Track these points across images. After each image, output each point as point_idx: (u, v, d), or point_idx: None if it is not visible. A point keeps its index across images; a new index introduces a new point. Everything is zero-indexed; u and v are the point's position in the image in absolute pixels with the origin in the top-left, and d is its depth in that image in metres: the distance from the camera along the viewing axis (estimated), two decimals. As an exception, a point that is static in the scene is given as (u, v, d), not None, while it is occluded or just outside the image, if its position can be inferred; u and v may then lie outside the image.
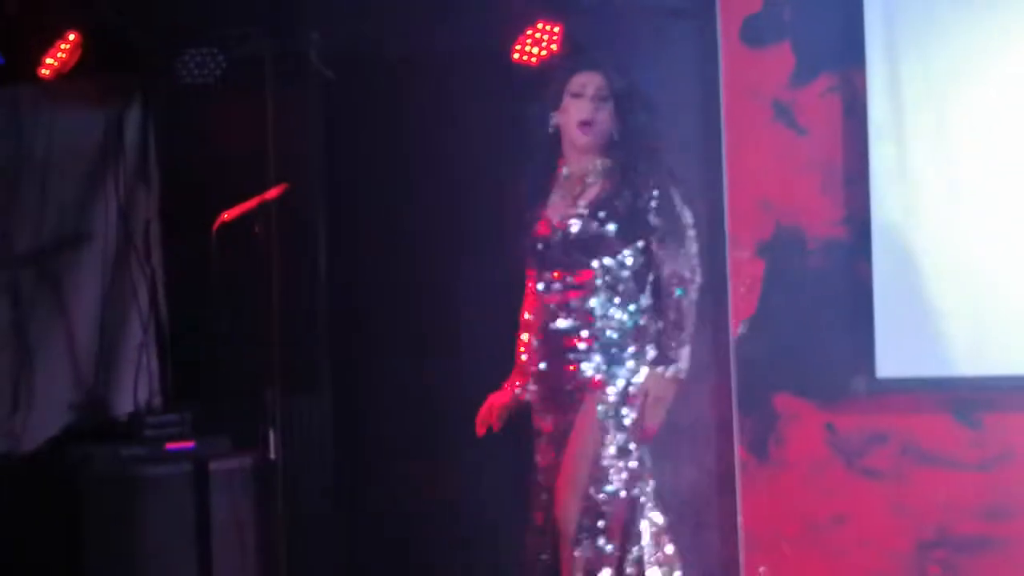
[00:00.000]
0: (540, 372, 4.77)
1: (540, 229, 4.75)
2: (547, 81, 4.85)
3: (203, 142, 6.33)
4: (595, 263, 4.70)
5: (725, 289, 5.70)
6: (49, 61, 5.97)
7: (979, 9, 5.46)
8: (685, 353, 4.67)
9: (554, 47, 5.75)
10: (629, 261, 4.70)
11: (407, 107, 6.04)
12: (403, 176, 6.10)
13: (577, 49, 5.55)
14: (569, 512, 4.62)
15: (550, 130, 4.78)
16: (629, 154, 4.71)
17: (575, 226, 4.70)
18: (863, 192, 5.57)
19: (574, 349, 4.69)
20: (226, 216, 5.56)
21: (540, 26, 5.75)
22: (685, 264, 4.69)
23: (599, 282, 4.70)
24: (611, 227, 4.69)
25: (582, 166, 4.76)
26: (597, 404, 4.67)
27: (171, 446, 5.74)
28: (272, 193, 5.63)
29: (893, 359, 5.52)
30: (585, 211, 4.70)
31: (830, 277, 5.67)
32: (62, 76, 6.01)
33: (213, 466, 5.67)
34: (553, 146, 4.80)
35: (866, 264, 5.56)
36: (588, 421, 4.67)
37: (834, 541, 5.65)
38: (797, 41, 5.72)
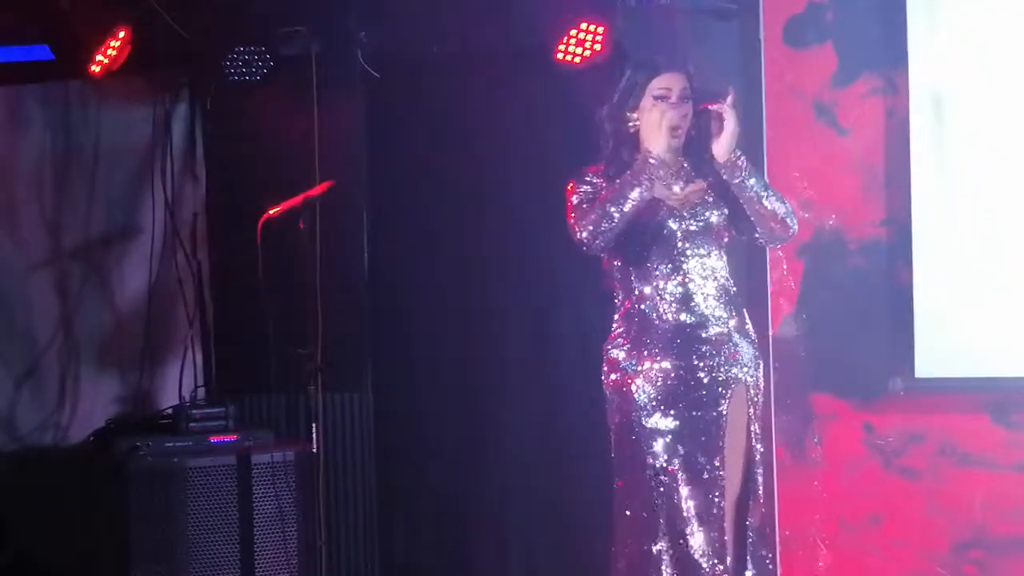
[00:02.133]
0: (662, 369, 4.63)
1: (653, 218, 4.63)
2: (617, 80, 4.73)
3: (249, 139, 6.37)
4: (717, 251, 4.69)
5: (765, 288, 5.71)
6: (99, 57, 6.02)
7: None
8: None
9: (598, 47, 5.76)
10: (724, 250, 4.73)
11: (450, 106, 6.07)
12: (445, 175, 6.14)
13: (617, 61, 5.55)
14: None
15: (630, 129, 4.67)
16: (704, 151, 4.66)
17: (703, 214, 4.66)
18: (904, 193, 5.58)
19: (706, 341, 4.64)
20: (271, 212, 5.62)
21: (584, 26, 5.77)
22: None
23: (721, 270, 4.70)
24: (725, 212, 4.69)
25: (671, 166, 4.68)
26: (743, 395, 4.65)
27: (215, 439, 5.79)
28: (317, 190, 5.70)
29: (932, 359, 5.52)
30: (710, 197, 4.67)
31: (870, 278, 5.68)
32: (111, 72, 6.06)
33: (256, 459, 5.70)
34: (632, 146, 4.66)
35: (906, 265, 5.57)
36: (739, 416, 4.64)
37: (870, 541, 5.65)
38: (839, 42, 5.72)
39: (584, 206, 4.63)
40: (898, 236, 5.61)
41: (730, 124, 4.54)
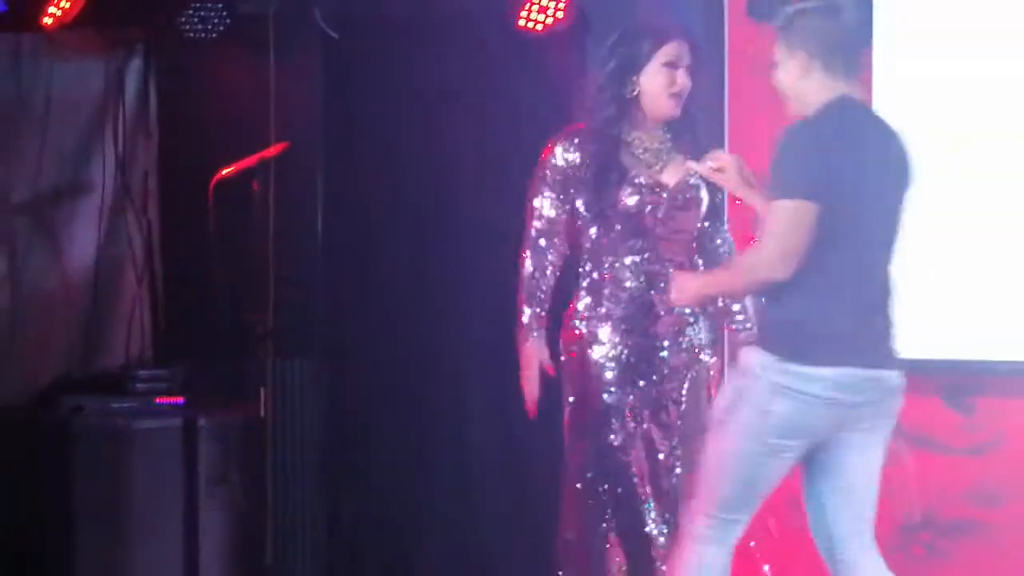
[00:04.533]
0: (623, 344, 4.58)
1: (633, 195, 4.58)
2: (615, 45, 4.67)
3: (204, 97, 6.30)
4: (689, 235, 4.67)
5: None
6: (52, 10, 5.93)
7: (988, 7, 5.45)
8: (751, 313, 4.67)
9: (560, 15, 5.71)
10: (695, 233, 4.70)
11: (409, 69, 6.01)
12: (403, 139, 6.07)
13: (580, 30, 5.50)
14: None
15: (629, 94, 4.62)
16: (692, 128, 4.70)
17: (683, 196, 4.64)
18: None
19: (669, 320, 4.60)
20: (225, 172, 5.55)
21: (547, -7, 5.72)
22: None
23: (690, 249, 4.68)
24: (705, 199, 4.67)
25: (655, 133, 4.67)
26: (702, 376, 4.65)
27: (161, 400, 5.74)
28: (272, 151, 5.64)
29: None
30: (693, 180, 4.64)
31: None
32: (64, 26, 5.98)
33: (202, 422, 5.66)
34: (630, 112, 4.64)
35: (864, 246, 5.54)
36: (698, 397, 4.64)
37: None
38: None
39: (536, 227, 4.64)
40: (857, 215, 5.58)
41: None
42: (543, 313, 4.67)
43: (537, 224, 4.66)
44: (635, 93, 4.62)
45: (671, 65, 4.59)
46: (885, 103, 5.36)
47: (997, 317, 5.45)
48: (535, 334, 4.65)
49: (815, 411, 3.98)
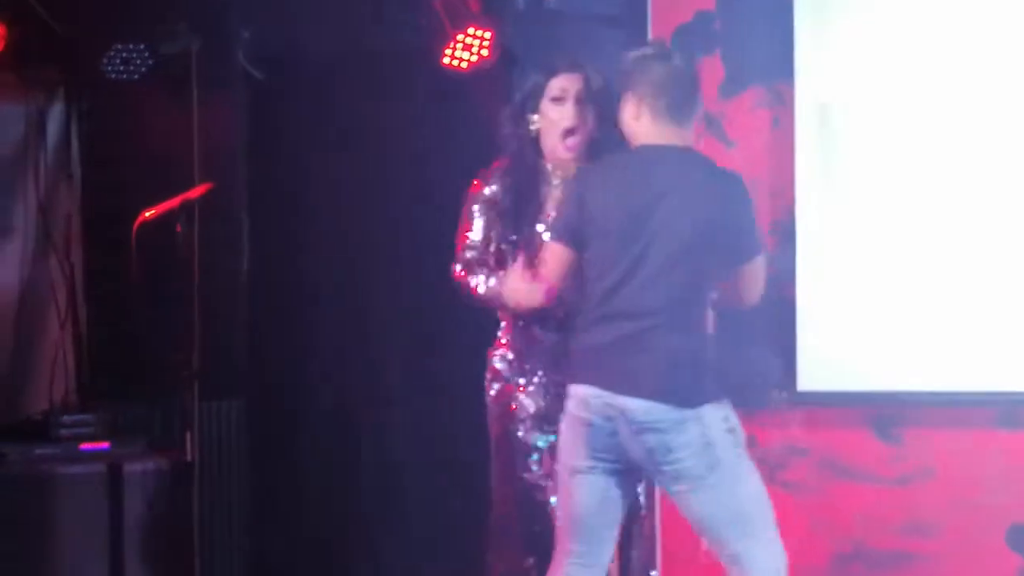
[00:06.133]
0: (543, 383, 4.57)
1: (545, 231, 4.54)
2: (519, 82, 4.70)
3: (127, 139, 6.27)
4: None
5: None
6: (-29, 52, 5.89)
7: (907, 26, 5.49)
8: None
9: (485, 52, 5.73)
10: None
11: (334, 108, 6.00)
12: (328, 178, 6.06)
13: (505, 66, 5.51)
14: None
15: (531, 133, 4.60)
16: None
17: None
18: (788, 205, 5.57)
19: None
20: (148, 214, 5.51)
21: (471, 31, 5.72)
22: None
23: None
24: None
25: (568, 174, 4.59)
26: None
27: (85, 446, 5.66)
28: (195, 192, 5.60)
29: (814, 373, 5.53)
30: None
31: (754, 289, 5.67)
32: (-17, 69, 5.93)
33: (128, 467, 5.59)
34: (535, 148, 4.61)
35: (790, 278, 5.56)
36: None
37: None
38: (727, 52, 5.71)
39: (468, 255, 4.61)
40: (782, 249, 5.60)
41: None
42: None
43: (467, 254, 4.63)
44: (535, 129, 4.61)
45: (558, 100, 4.55)
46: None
47: (923, 348, 5.48)
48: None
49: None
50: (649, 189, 4.22)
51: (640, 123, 4.28)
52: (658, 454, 4.19)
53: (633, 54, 4.35)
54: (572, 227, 4.29)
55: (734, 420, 4.29)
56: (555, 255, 4.32)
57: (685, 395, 4.18)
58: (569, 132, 4.54)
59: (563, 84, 4.55)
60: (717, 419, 4.22)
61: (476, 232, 4.62)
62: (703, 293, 4.31)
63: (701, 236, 4.20)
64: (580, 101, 4.54)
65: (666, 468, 4.21)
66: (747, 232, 4.33)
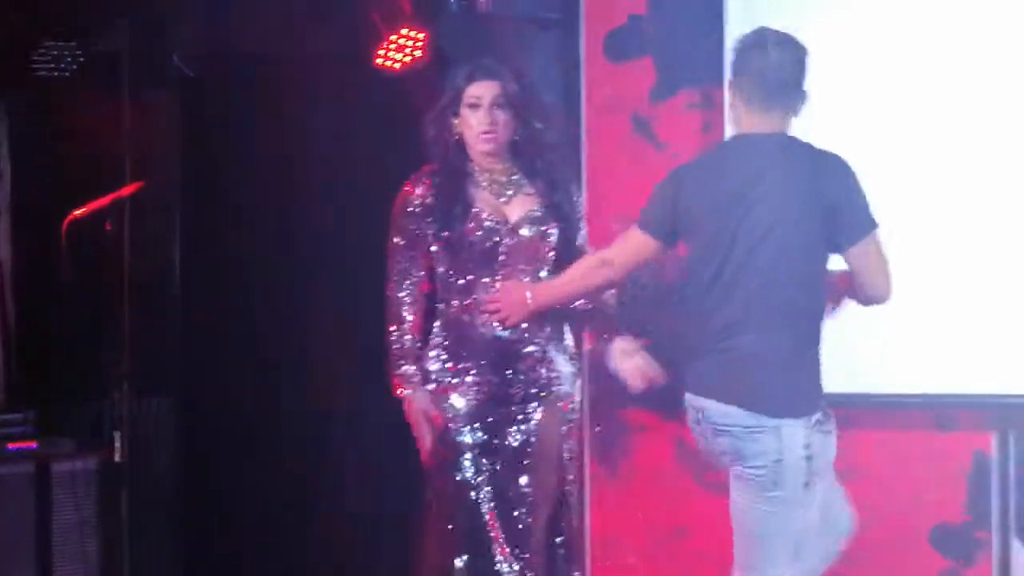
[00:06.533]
0: (475, 382, 4.59)
1: (478, 229, 4.59)
2: (434, 93, 4.75)
3: (57, 136, 6.21)
4: (541, 268, 4.64)
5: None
6: None
7: (839, 27, 5.54)
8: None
9: (418, 53, 5.75)
10: (548, 268, 4.67)
11: (267, 107, 5.99)
12: (261, 177, 6.04)
13: (438, 67, 5.52)
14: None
15: (455, 136, 4.64)
16: (537, 159, 4.66)
17: (528, 229, 4.62)
18: (719, 209, 5.62)
19: (523, 357, 4.60)
20: (78, 212, 5.48)
21: (404, 32, 5.73)
22: None
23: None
24: (555, 230, 4.65)
25: (497, 174, 4.66)
26: (557, 412, 4.62)
27: (13, 446, 5.62)
28: (126, 190, 5.57)
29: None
30: (539, 212, 4.63)
31: (684, 292, 5.70)
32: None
33: (56, 467, 5.56)
34: (460, 150, 4.66)
35: (720, 280, 5.60)
36: (551, 433, 4.61)
37: (679, 553, 5.69)
38: (658, 56, 5.76)
39: (397, 264, 4.64)
40: (713, 251, 5.65)
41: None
42: (417, 368, 4.63)
43: (398, 266, 4.65)
44: (457, 133, 4.64)
45: (473, 106, 4.60)
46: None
47: (853, 350, 5.52)
48: (415, 390, 4.60)
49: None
50: (738, 180, 4.10)
51: (737, 112, 4.22)
52: (730, 458, 4.11)
53: (734, 43, 4.29)
54: (659, 218, 4.23)
55: (817, 446, 4.11)
56: (630, 239, 4.29)
57: (763, 402, 4.03)
58: (486, 137, 4.58)
59: (478, 91, 4.60)
60: (797, 438, 4.06)
61: (406, 247, 4.63)
62: (802, 295, 4.11)
63: (796, 224, 4.04)
64: (496, 107, 4.59)
65: (736, 473, 4.12)
66: (850, 208, 4.09)
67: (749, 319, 4.07)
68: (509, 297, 4.51)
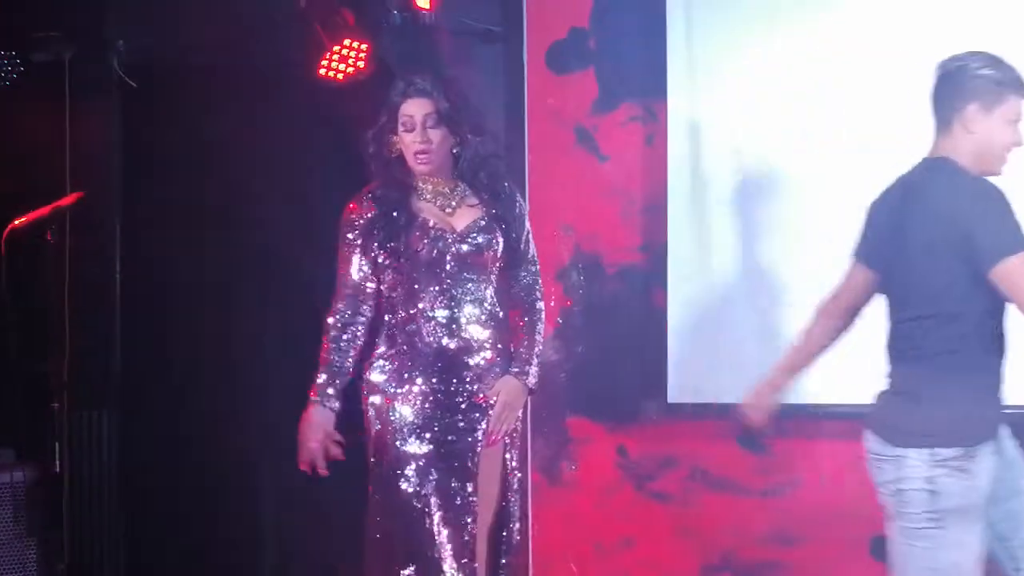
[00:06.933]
0: (421, 392, 4.57)
1: (423, 238, 4.58)
2: (377, 104, 4.70)
3: (-3, 145, 6.17)
4: (486, 278, 4.62)
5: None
6: None
7: (774, 44, 5.59)
8: (536, 364, 4.65)
9: (361, 64, 5.74)
10: (494, 277, 4.67)
11: (209, 118, 5.96)
12: (202, 187, 6.01)
13: (401, 72, 5.51)
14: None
15: (394, 153, 4.64)
16: (479, 171, 4.66)
17: (474, 239, 4.61)
18: (660, 220, 5.66)
19: (469, 367, 4.59)
20: (17, 222, 5.44)
21: (348, 43, 5.73)
22: (537, 279, 4.71)
23: (489, 295, 4.64)
24: (500, 242, 4.65)
25: (440, 186, 4.65)
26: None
27: (-50, 457, 5.57)
28: (66, 201, 5.53)
29: (684, 385, 5.61)
30: (484, 222, 4.62)
31: (626, 303, 5.75)
32: None
33: (-7, 479, 5.51)
34: (401, 165, 4.65)
35: (661, 291, 5.64)
36: (497, 445, 4.60)
37: (621, 563, 5.71)
38: (600, 69, 5.80)
39: (342, 278, 4.63)
40: (654, 262, 5.69)
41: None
42: (338, 383, 4.61)
43: (344, 289, 4.65)
44: (396, 150, 4.65)
45: (407, 125, 4.61)
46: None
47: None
48: (325, 403, 4.59)
49: None
50: (896, 205, 4.08)
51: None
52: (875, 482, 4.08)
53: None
54: (860, 245, 4.21)
55: (945, 483, 3.90)
56: (849, 273, 4.25)
57: (889, 431, 4.00)
58: (421, 157, 4.60)
59: (410, 110, 4.60)
60: (919, 471, 3.93)
61: (354, 265, 4.62)
62: (937, 325, 3.98)
63: (935, 247, 3.93)
64: (428, 125, 4.59)
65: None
66: (984, 231, 3.89)
67: (895, 345, 4.09)
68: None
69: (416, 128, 4.58)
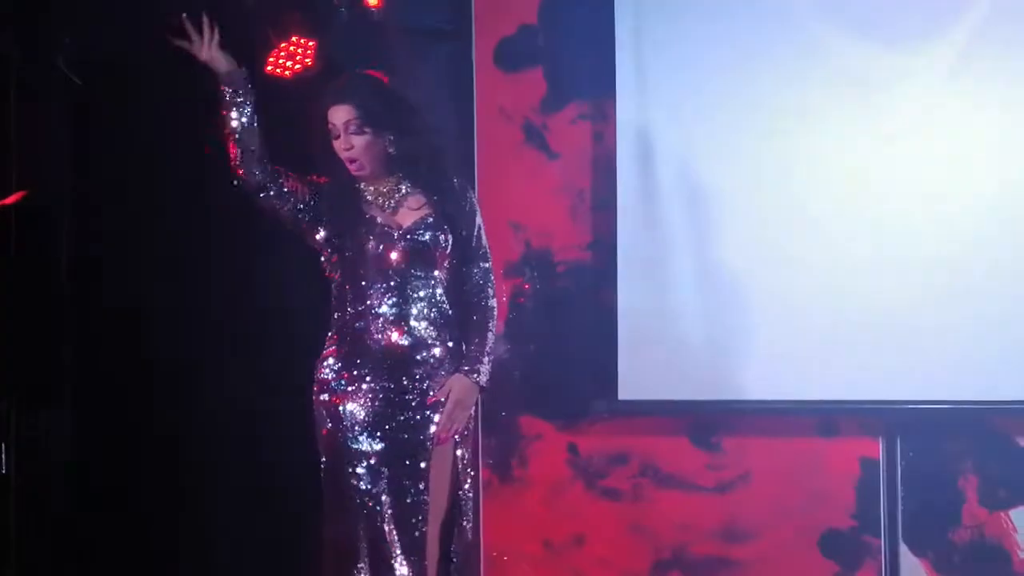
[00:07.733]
0: (371, 390, 4.55)
1: (368, 236, 4.55)
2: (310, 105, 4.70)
3: (-59, 144, 6.11)
4: (434, 274, 4.60)
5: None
6: None
7: (723, 42, 5.61)
8: (487, 362, 4.63)
9: (308, 61, 5.72)
10: (444, 274, 4.65)
11: (155, 115, 5.92)
12: (151, 184, 5.97)
13: (329, 75, 5.49)
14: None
15: (337, 155, 4.59)
16: (422, 168, 4.61)
17: (420, 236, 4.57)
18: (610, 218, 5.67)
19: (419, 364, 4.57)
20: (-38, 221, 5.41)
21: (295, 39, 5.71)
22: (489, 276, 4.69)
23: (439, 292, 4.62)
24: (448, 238, 4.62)
25: (382, 186, 4.63)
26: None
27: None
28: (11, 199, 5.49)
29: (634, 382, 5.62)
30: (432, 219, 4.59)
31: (576, 300, 5.75)
32: None
33: (-62, 482, 5.46)
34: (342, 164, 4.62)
35: (611, 289, 5.65)
36: (448, 442, 4.57)
37: (573, 561, 5.72)
38: (549, 67, 5.80)
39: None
40: (604, 259, 5.70)
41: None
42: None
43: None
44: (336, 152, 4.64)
45: (332, 133, 4.58)
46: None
47: (741, 357, 5.59)
48: None
49: None
50: None
51: None
52: None
53: None
54: None
55: None
56: None
57: None
58: (350, 166, 4.58)
59: (333, 118, 4.57)
60: None
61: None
62: None
63: None
64: (351, 131, 4.56)
65: None
66: None
67: None
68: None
69: (340, 135, 4.56)
